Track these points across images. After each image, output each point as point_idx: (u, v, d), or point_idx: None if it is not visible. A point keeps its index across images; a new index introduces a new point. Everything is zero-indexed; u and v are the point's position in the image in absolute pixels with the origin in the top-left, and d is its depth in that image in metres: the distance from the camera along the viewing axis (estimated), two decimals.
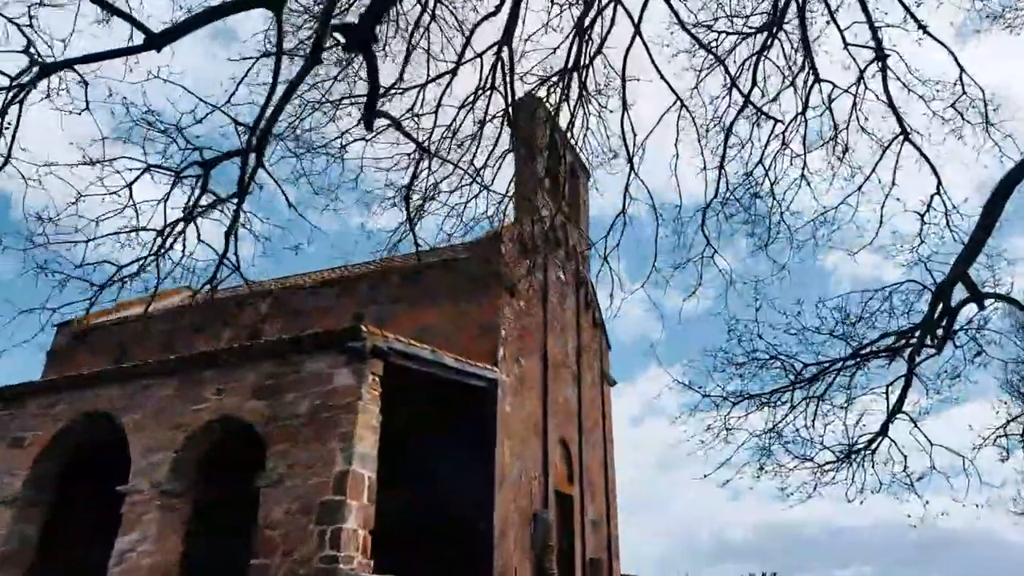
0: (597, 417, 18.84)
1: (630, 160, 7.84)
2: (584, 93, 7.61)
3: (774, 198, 7.79)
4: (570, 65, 7.06)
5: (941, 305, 6.58)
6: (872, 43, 6.97)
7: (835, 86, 7.44)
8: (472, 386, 12.73)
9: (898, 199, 7.54)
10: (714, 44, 7.45)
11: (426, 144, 7.57)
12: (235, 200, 6.36)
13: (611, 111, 7.74)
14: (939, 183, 7.15)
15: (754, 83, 7.44)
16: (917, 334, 6.93)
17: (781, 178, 7.74)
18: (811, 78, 7.24)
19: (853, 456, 7.87)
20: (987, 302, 6.71)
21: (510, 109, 7.33)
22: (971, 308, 6.80)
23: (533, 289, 16.06)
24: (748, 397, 7.82)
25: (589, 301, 19.55)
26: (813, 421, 7.83)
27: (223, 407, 10.21)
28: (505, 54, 7.03)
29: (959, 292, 6.54)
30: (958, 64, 7.02)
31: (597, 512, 17.46)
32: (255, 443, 9.95)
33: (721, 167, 7.63)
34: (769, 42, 7.12)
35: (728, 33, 7.23)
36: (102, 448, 11.32)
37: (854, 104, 7.45)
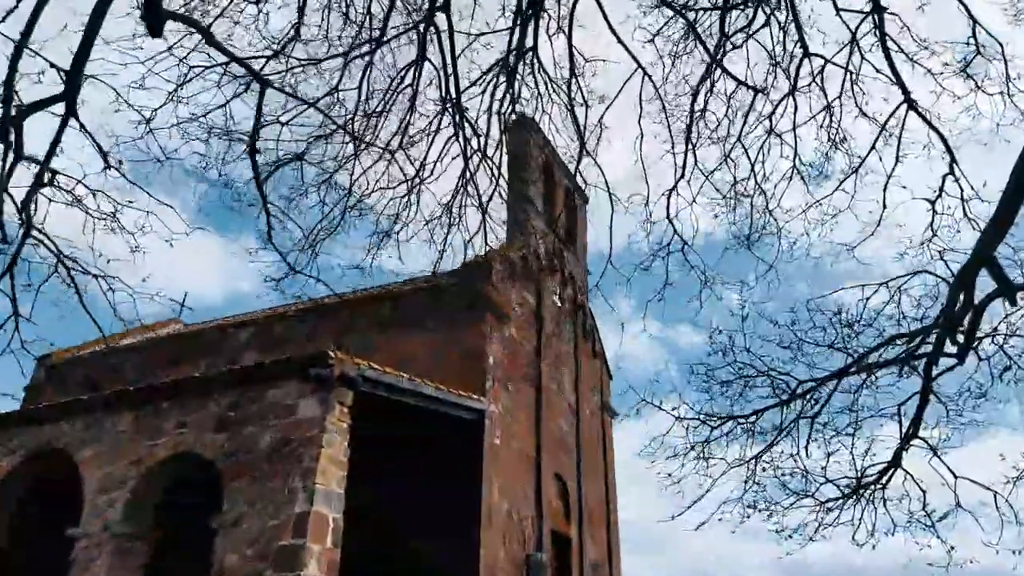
0: (597, 451, 17.90)
1: (580, 135, 6.98)
2: (537, 75, 6.79)
3: (755, 180, 6.92)
4: (517, 44, 6.26)
5: (963, 297, 5.54)
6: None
7: (827, 60, 6.62)
8: (457, 417, 11.91)
9: (904, 187, 6.70)
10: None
11: (351, 127, 6.69)
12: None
13: (581, 103, 6.98)
14: (952, 161, 6.19)
15: (720, 50, 6.54)
16: (934, 337, 5.90)
17: (764, 158, 6.89)
18: (800, 51, 6.48)
19: (861, 491, 6.84)
20: (1021, 296, 5.62)
21: (454, 97, 6.54)
22: (999, 307, 5.82)
23: (525, 316, 15.30)
24: (727, 419, 6.85)
25: (588, 329, 18.75)
26: (807, 447, 6.82)
27: (182, 441, 9.44)
28: (442, 22, 6.15)
29: (984, 285, 5.52)
30: (968, 14, 6.07)
31: (598, 554, 16.43)
32: (217, 480, 9.18)
33: (688, 141, 6.71)
34: (752, 15, 6.36)
35: (706, 9, 6.47)
36: (60, 486, 10.55)
37: (846, 73, 6.54)
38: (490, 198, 7.61)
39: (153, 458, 9.48)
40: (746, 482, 6.98)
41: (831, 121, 6.86)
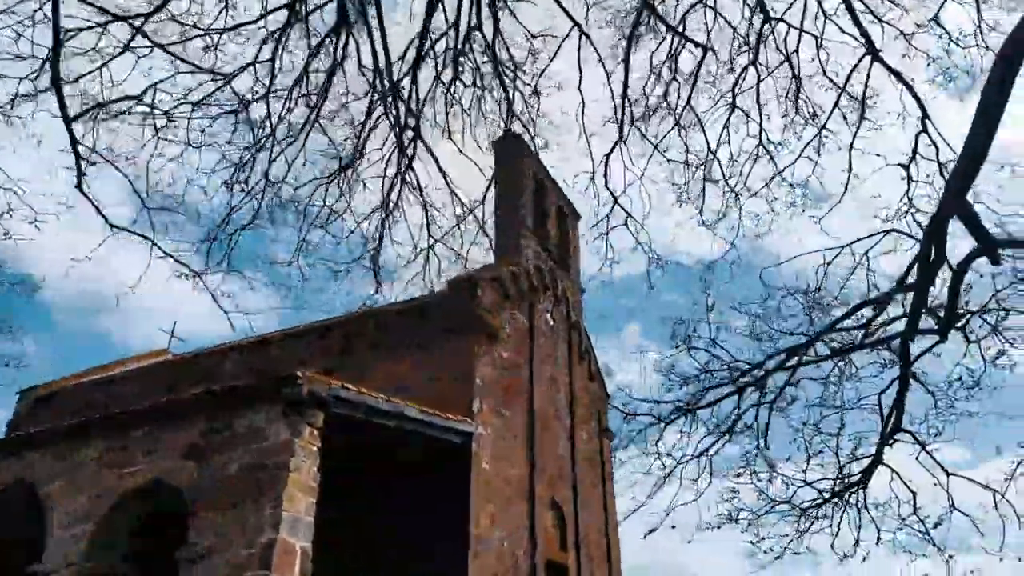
0: (596, 476, 17.36)
1: (503, 86, 6.60)
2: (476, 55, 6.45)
3: (708, 149, 6.53)
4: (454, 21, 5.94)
5: (935, 251, 4.96)
6: None
7: (790, 25, 6.29)
8: (444, 441, 11.47)
9: (878, 155, 6.30)
10: None
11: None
12: None
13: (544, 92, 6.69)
14: (924, 116, 5.72)
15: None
16: (907, 304, 5.34)
17: (728, 137, 6.50)
18: (760, 17, 6.16)
19: (843, 494, 6.22)
20: (1004, 253, 4.98)
21: (383, 70, 6.18)
22: (985, 279, 5.25)
23: (518, 337, 14.91)
24: (685, 411, 6.35)
25: (584, 350, 18.32)
26: (766, 436, 6.24)
27: (152, 471, 9.03)
28: None
29: (961, 243, 4.97)
30: None
31: None
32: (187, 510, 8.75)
33: (624, 97, 6.33)
34: None
35: None
36: (28, 520, 10.14)
37: (801, 35, 6.16)
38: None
39: (121, 489, 9.07)
40: (697, 479, 6.44)
41: (797, 91, 6.52)
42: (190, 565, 8.04)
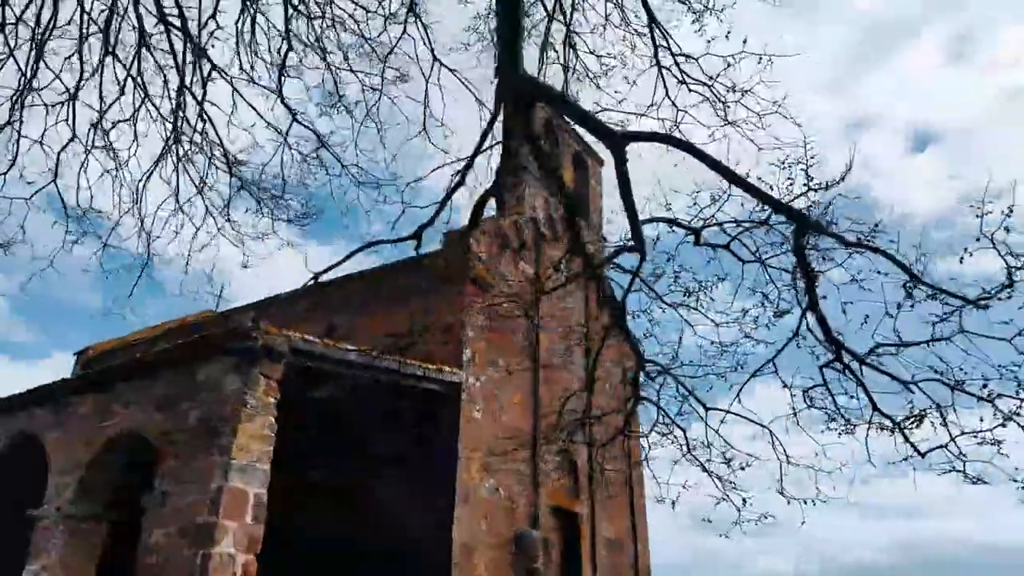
0: (618, 426, 17.04)
1: None
2: None
3: None
4: None
5: None
6: None
7: None
8: (429, 391, 11.50)
9: None
10: None
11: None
12: None
13: None
14: None
15: None
16: None
17: None
18: None
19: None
20: None
21: None
22: None
23: (521, 289, 14.67)
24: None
25: (603, 301, 17.87)
26: None
27: (127, 422, 9.47)
28: None
29: None
30: None
31: (616, 532, 15.68)
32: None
33: None
34: None
35: None
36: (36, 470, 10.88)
37: None
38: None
39: (102, 439, 9.56)
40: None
41: None
42: (152, 510, 8.42)
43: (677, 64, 8.17)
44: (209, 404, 8.59)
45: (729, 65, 7.66)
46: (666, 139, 6.33)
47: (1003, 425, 5.01)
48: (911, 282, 5.33)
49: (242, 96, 8.95)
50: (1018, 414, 4.98)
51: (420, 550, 10.86)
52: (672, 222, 6.81)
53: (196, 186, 9.02)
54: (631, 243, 6.73)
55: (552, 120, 17.41)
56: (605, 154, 19.29)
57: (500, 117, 7.81)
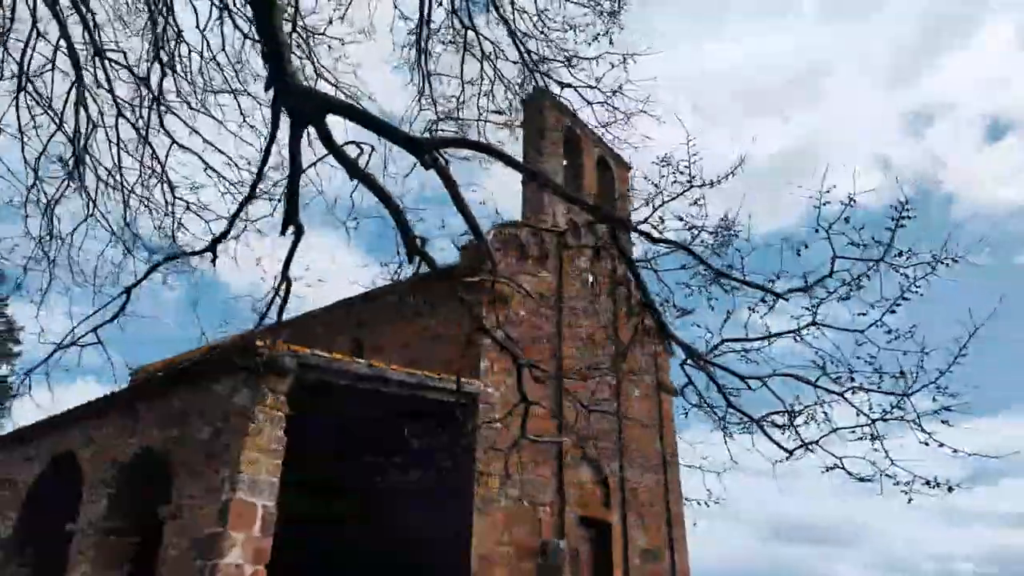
0: (652, 434, 16.78)
1: None
2: None
3: None
4: None
5: None
6: None
7: None
8: (445, 402, 11.54)
9: None
10: None
11: None
12: None
13: None
14: None
15: None
16: None
17: None
18: None
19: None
20: None
21: None
22: None
23: (542, 296, 14.63)
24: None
25: (633, 306, 17.65)
26: None
27: (147, 439, 9.84)
28: None
29: None
30: None
31: (652, 542, 15.38)
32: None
33: None
34: None
35: None
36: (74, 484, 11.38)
37: None
38: None
39: (127, 455, 9.95)
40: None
41: None
42: (169, 523, 8.71)
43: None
44: (218, 419, 8.85)
45: (613, 66, 7.71)
46: (470, 144, 6.33)
47: (883, 419, 4.77)
48: (715, 276, 5.42)
49: None
50: (900, 407, 4.73)
51: (437, 563, 10.90)
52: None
53: None
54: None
55: (575, 128, 17.38)
56: (632, 159, 19.10)
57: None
